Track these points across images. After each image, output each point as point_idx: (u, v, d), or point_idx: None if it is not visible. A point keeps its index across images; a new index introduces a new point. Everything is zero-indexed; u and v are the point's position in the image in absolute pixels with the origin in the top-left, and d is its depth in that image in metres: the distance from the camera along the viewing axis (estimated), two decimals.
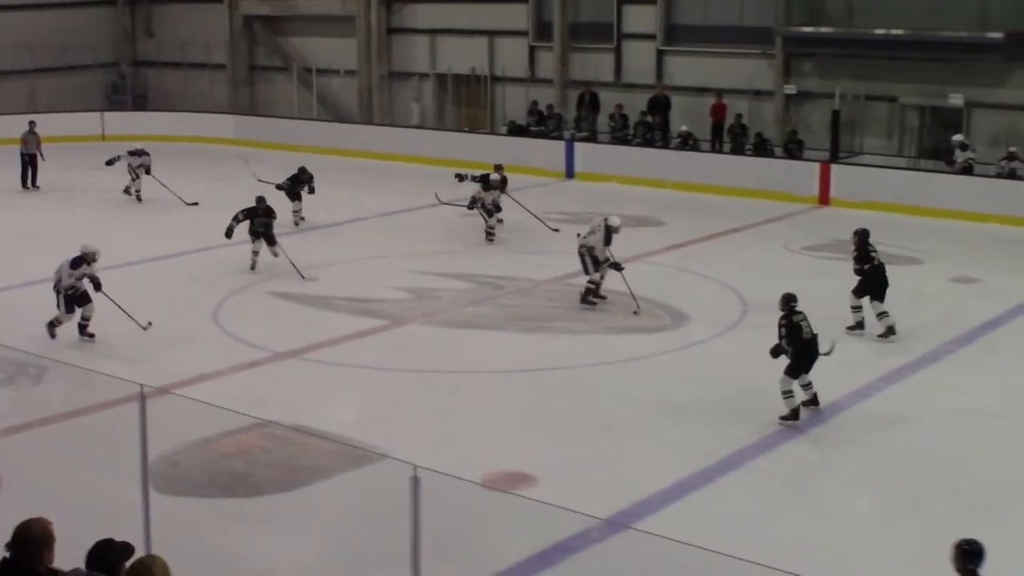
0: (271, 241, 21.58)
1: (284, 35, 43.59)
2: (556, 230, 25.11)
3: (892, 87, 32.24)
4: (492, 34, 38.96)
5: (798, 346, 14.74)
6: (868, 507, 12.90)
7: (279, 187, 25.50)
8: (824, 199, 29.88)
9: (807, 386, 14.90)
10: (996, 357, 17.80)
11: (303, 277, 21.08)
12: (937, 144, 31.02)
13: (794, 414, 14.65)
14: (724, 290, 20.66)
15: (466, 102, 40.15)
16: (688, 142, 33.37)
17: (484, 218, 24.78)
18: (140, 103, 44.71)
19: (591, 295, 19.99)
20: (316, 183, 25.88)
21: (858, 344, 18.12)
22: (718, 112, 33.87)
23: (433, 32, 40.23)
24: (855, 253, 18.48)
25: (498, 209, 25.07)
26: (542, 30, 38.07)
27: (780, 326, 14.86)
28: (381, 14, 40.69)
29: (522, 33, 38.48)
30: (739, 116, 33.48)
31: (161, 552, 7.32)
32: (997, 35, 29.91)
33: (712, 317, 19.47)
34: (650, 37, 36.17)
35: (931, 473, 13.67)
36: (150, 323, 17.76)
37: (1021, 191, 28.19)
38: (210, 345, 17.55)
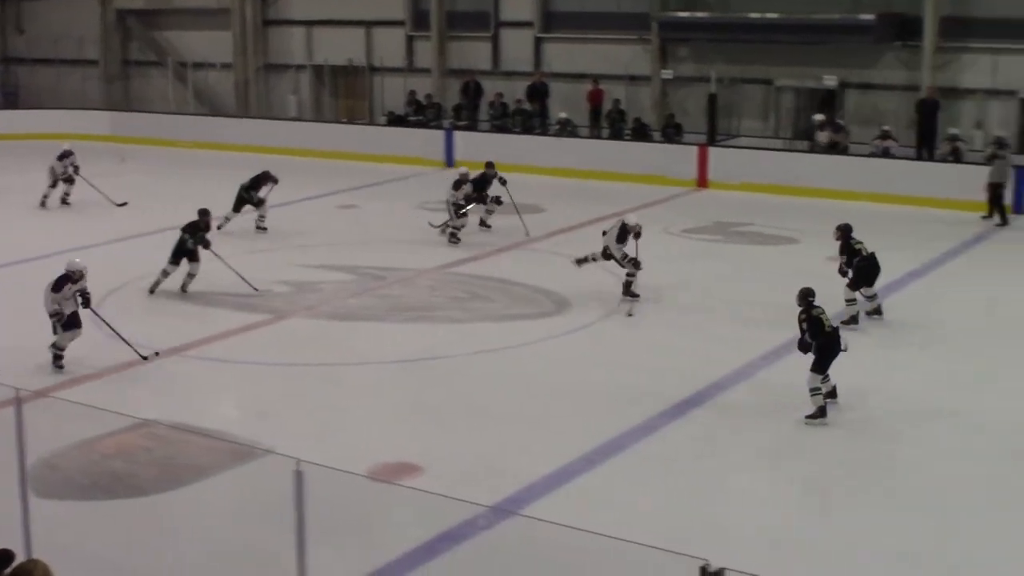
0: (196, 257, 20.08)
1: (158, 29, 43.07)
2: (527, 234, 24.54)
3: (767, 70, 32.68)
4: (369, 24, 38.87)
5: (821, 340, 14.49)
6: (753, 486, 13.02)
7: (244, 191, 24.71)
8: (702, 182, 30.20)
9: (825, 379, 14.65)
10: (871, 334, 18.07)
11: (256, 290, 20.09)
12: (811, 125, 31.48)
13: (821, 411, 14.38)
14: (606, 274, 20.74)
15: (344, 93, 40.00)
16: (567, 128, 33.54)
17: (451, 216, 24.05)
18: (11, 101, 43.94)
19: (631, 288, 19.72)
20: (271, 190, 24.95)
21: (733, 323, 18.37)
22: (595, 98, 34.10)
23: (309, 23, 40.03)
24: (842, 253, 18.33)
25: (474, 202, 24.38)
26: (419, 20, 38.03)
27: (801, 321, 14.59)
28: (256, 6, 40.41)
29: (399, 23, 38.42)
30: (617, 101, 33.74)
31: (43, 557, 7.21)
32: (869, 17, 30.48)
33: (594, 302, 19.57)
34: (528, 25, 36.30)
35: (810, 449, 13.84)
36: (156, 353, 16.91)
37: (894, 169, 28.73)
38: (89, 344, 17.22)
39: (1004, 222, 25.91)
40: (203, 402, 15.61)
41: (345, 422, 14.69)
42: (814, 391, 14.42)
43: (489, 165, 25.15)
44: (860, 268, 18.15)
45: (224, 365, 16.91)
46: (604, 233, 19.99)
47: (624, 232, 19.53)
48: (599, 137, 33.62)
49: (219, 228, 23.52)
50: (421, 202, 28.01)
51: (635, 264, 19.51)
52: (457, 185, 24.04)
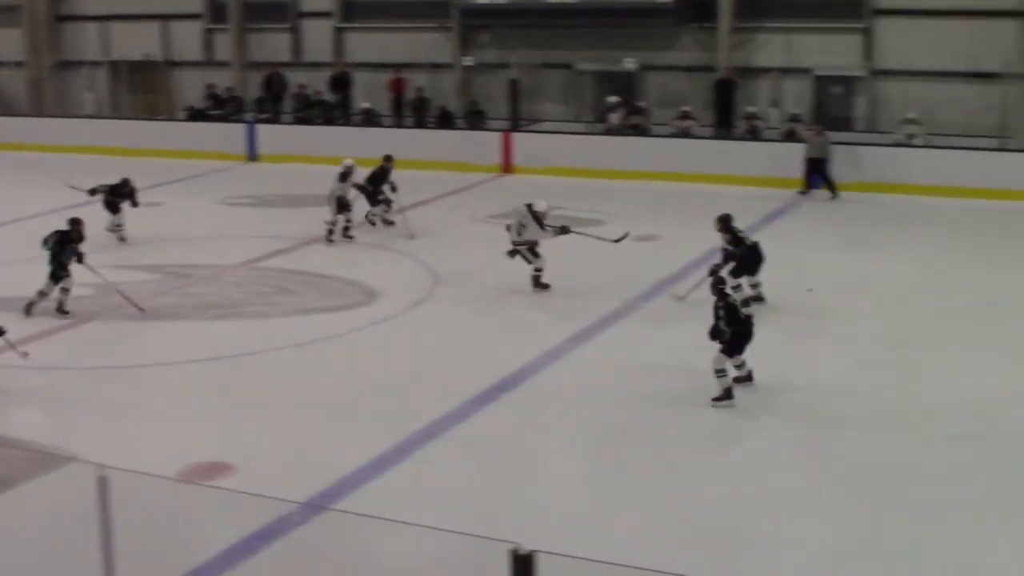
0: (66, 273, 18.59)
1: None
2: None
3: (568, 55, 32.96)
4: (165, 18, 38.25)
5: (737, 326, 14.44)
6: (568, 468, 13.10)
7: (93, 192, 23.05)
8: (507, 167, 30.32)
9: (741, 365, 14.70)
10: (677, 310, 18.32)
11: (141, 310, 18.77)
12: (606, 107, 31.92)
13: (727, 393, 14.39)
14: (414, 263, 20.72)
15: (142, 89, 39.29)
16: (370, 118, 33.44)
17: (333, 211, 23.00)
18: None
19: (540, 280, 19.37)
20: (139, 196, 23.41)
21: (541, 306, 18.49)
22: (397, 87, 34.07)
23: (104, 19, 39.21)
24: (728, 242, 18.09)
25: (367, 197, 23.63)
26: (217, 12, 37.61)
27: (717, 308, 14.51)
28: (47, 2, 39.42)
29: (196, 16, 37.90)
30: (419, 90, 33.72)
31: None
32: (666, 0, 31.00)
33: (403, 291, 19.51)
34: (327, 15, 36.10)
35: (619, 426, 13.96)
36: (26, 352, 16.00)
37: (695, 149, 29.23)
38: None
39: (835, 194, 26.63)
40: (4, 410, 15.14)
41: (154, 424, 14.37)
42: (719, 372, 14.42)
43: (387, 158, 24.17)
44: (744, 257, 17.99)
45: (25, 371, 16.38)
46: (514, 234, 19.32)
47: (541, 220, 19.18)
48: (402, 126, 33.57)
49: (123, 241, 23.02)
50: (224, 197, 27.69)
51: (565, 231, 19.30)
52: (343, 177, 23.11)
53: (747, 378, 14.87)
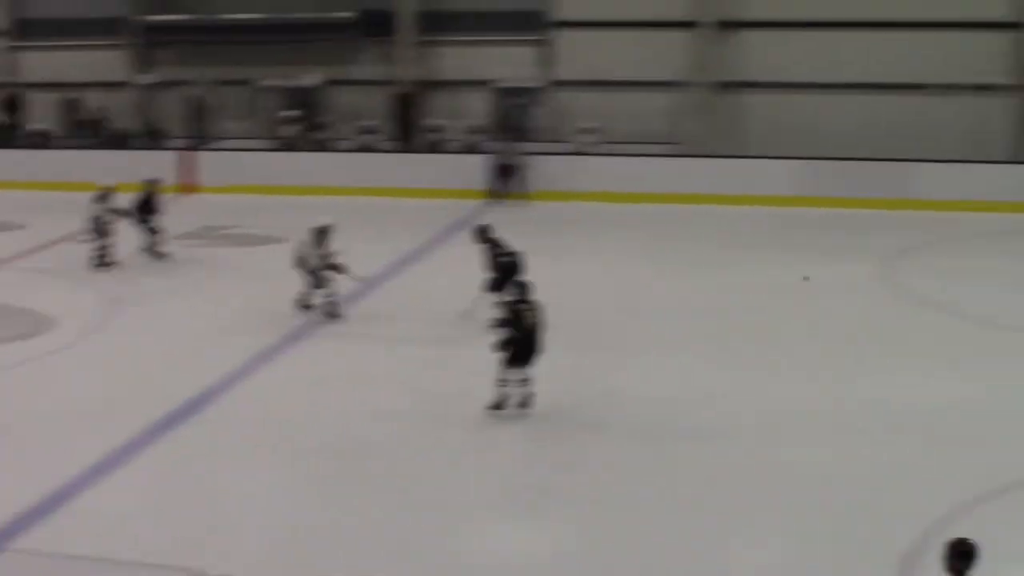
0: None
1: None
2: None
3: (253, 71, 32.71)
4: None
5: (517, 335, 14.12)
6: (256, 487, 12.79)
7: None
8: (189, 186, 29.77)
9: (525, 382, 14.31)
10: (362, 327, 18.33)
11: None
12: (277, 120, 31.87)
13: (499, 405, 14.20)
14: (89, 289, 20.13)
15: None
16: (43, 140, 32.48)
17: (95, 235, 21.71)
18: None
19: (336, 309, 18.47)
20: None
21: (222, 327, 18.24)
22: (73, 106, 33.18)
23: None
24: (489, 253, 17.84)
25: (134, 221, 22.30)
26: None
27: (506, 307, 14.27)
28: None
29: None
30: (98, 110, 32.94)
31: None
32: (348, 14, 31.17)
33: (79, 318, 18.93)
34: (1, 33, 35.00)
35: (309, 444, 13.74)
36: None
37: (377, 162, 29.49)
38: None
39: (523, 201, 27.32)
40: None
41: None
42: (500, 382, 14.27)
43: (153, 183, 22.99)
44: (505, 266, 17.70)
45: None
46: (299, 255, 18.49)
47: (321, 237, 18.27)
48: (76, 147, 32.52)
49: None
50: None
51: (338, 269, 18.34)
52: (101, 199, 21.89)
53: (525, 403, 14.43)
